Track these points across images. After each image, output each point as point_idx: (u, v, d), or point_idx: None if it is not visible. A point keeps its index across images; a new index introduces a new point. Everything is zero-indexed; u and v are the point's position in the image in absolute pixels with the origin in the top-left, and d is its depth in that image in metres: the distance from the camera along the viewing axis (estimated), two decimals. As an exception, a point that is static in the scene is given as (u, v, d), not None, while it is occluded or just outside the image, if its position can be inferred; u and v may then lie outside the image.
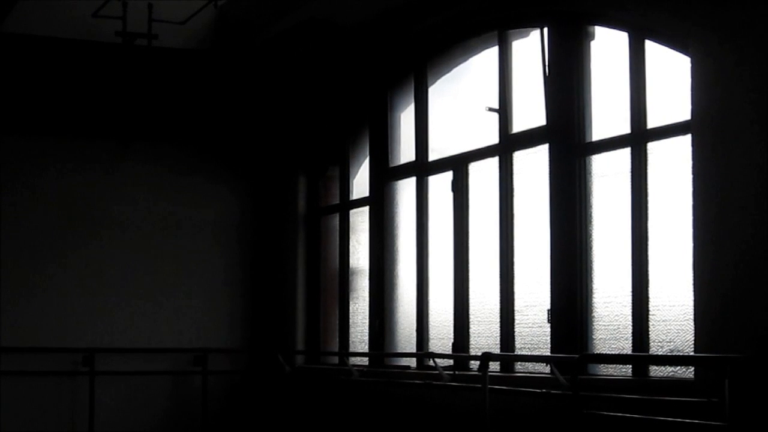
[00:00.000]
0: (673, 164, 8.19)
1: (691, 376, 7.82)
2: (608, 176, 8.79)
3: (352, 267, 12.31)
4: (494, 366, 9.56)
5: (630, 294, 8.44)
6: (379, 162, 11.71)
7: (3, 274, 12.38)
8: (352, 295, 12.26)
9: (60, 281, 12.64)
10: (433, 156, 10.99)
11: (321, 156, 13.02)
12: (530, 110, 9.59)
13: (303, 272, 13.02)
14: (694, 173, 7.76)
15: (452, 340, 10.41)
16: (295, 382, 12.74)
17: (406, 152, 11.40)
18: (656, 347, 8.26)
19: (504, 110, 9.92)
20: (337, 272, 12.59)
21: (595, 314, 8.85)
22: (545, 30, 9.35)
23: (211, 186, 13.39)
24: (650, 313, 8.33)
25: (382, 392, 10.99)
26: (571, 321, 8.91)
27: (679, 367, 8.00)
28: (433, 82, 11.04)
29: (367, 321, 11.77)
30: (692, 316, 7.80)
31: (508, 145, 9.86)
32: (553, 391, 8.64)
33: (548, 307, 9.18)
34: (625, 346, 8.51)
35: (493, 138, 10.02)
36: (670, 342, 8.16)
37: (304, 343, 12.94)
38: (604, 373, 8.62)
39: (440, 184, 10.80)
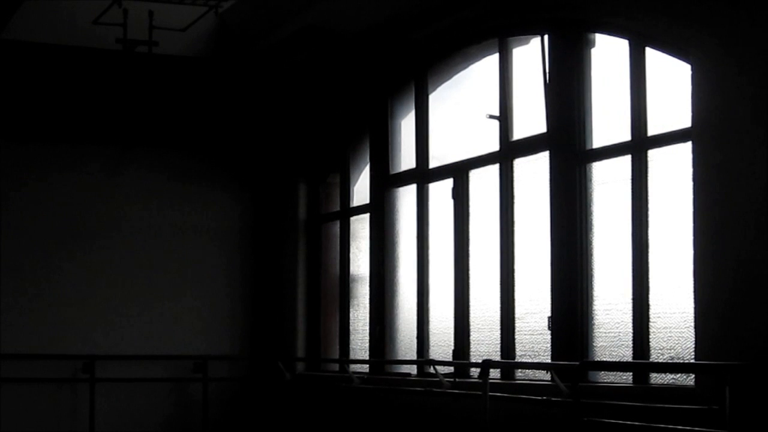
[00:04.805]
0: (673, 172, 8.19)
1: (692, 383, 7.82)
2: (609, 183, 8.80)
3: (353, 274, 12.31)
4: (495, 373, 9.56)
5: (630, 301, 8.44)
6: (379, 169, 11.72)
7: (3, 280, 12.37)
8: (353, 302, 12.26)
9: (60, 288, 12.63)
10: (433, 163, 11.00)
11: (321, 163, 13.02)
12: (531, 117, 9.59)
13: (303, 279, 13.02)
14: (694, 181, 7.77)
15: (453, 348, 10.41)
16: (296, 389, 12.73)
17: (406, 159, 11.41)
18: (657, 354, 8.26)
19: (504, 117, 9.92)
20: (338, 279, 12.59)
21: (595, 321, 8.85)
22: (546, 37, 9.35)
23: (211, 193, 13.39)
24: (651, 320, 8.33)
25: (382, 399, 10.98)
26: (571, 328, 8.91)
27: (679, 375, 8.00)
28: (434, 90, 11.05)
29: (367, 328, 11.77)
30: (693, 324, 7.81)
31: (508, 152, 9.86)
32: (553, 399, 8.64)
33: (549, 314, 9.17)
34: (626, 354, 8.50)
35: (493, 145, 10.03)
36: (670, 349, 8.16)
37: (304, 350, 12.93)
38: (605, 381, 8.62)
39: (441, 192, 10.80)
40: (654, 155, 8.38)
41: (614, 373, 8.57)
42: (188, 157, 13.29)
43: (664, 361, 8.22)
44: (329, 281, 12.81)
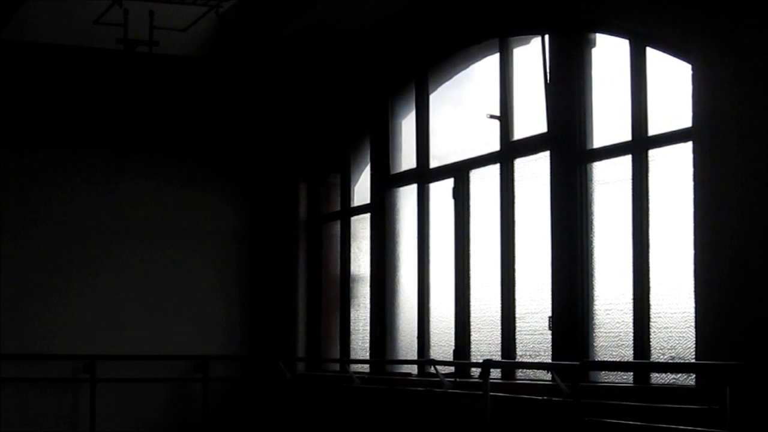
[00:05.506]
0: (674, 171, 8.19)
1: (693, 383, 7.82)
2: (609, 183, 8.80)
3: (353, 274, 12.31)
4: (495, 373, 9.56)
5: (631, 301, 8.44)
6: (380, 169, 11.72)
7: (4, 281, 12.38)
8: (353, 302, 12.26)
9: (61, 289, 12.63)
10: (434, 163, 11.00)
11: (322, 163, 13.02)
12: (531, 117, 9.59)
13: (304, 279, 13.02)
14: (695, 180, 7.77)
15: (453, 347, 10.41)
16: (296, 389, 12.73)
17: (407, 159, 11.41)
18: (657, 354, 8.26)
19: (505, 117, 9.92)
20: (338, 279, 12.59)
21: (596, 321, 8.84)
22: (546, 37, 9.35)
23: (212, 194, 13.38)
24: (651, 320, 8.33)
25: (383, 399, 10.98)
26: (572, 328, 8.91)
27: (680, 375, 8.00)
28: (435, 89, 11.05)
29: (368, 328, 11.77)
30: (693, 324, 7.80)
31: (509, 152, 9.86)
32: (554, 398, 8.64)
33: (549, 314, 9.17)
34: (626, 353, 8.50)
35: (494, 145, 10.03)
36: (671, 349, 8.16)
37: (305, 350, 12.93)
38: (606, 380, 8.62)
39: (441, 191, 10.80)
40: (654, 155, 8.38)
41: (615, 372, 8.57)
42: (187, 159, 13.28)
43: (665, 361, 8.21)
44: (330, 281, 12.81)
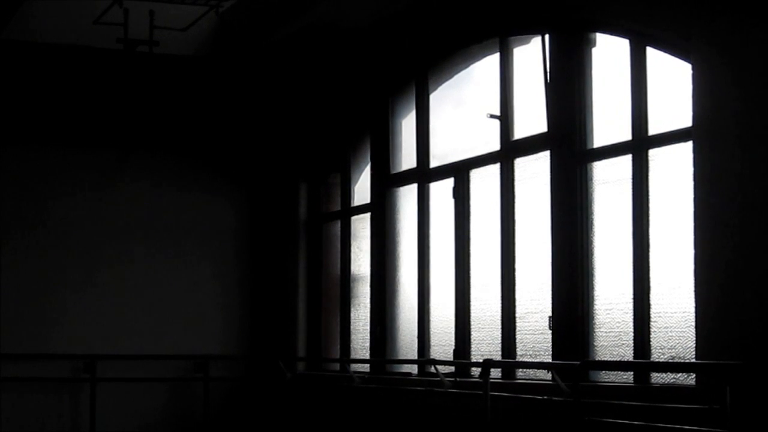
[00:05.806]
0: (674, 171, 8.19)
1: (693, 382, 7.82)
2: (609, 183, 8.80)
3: (354, 273, 12.30)
4: (495, 373, 9.56)
5: (631, 300, 8.44)
6: (380, 169, 11.72)
7: (4, 281, 12.38)
8: (354, 302, 12.25)
9: (61, 289, 12.62)
10: (434, 163, 11.00)
11: (322, 163, 13.02)
12: (531, 117, 9.59)
13: (304, 279, 13.02)
14: (695, 180, 7.77)
15: (453, 347, 10.41)
16: (297, 388, 12.73)
17: (407, 159, 11.41)
18: (657, 354, 8.26)
19: (505, 117, 9.92)
20: (339, 279, 12.59)
21: (596, 321, 8.85)
22: (546, 37, 9.35)
23: (211, 194, 13.37)
24: (651, 319, 8.33)
25: (383, 399, 10.98)
26: (572, 328, 8.91)
27: (680, 374, 8.00)
28: (435, 89, 11.05)
29: (368, 328, 11.77)
30: (693, 323, 7.80)
31: (509, 151, 9.86)
32: (554, 398, 8.63)
33: (549, 313, 9.17)
34: (627, 353, 8.50)
35: (494, 145, 10.03)
36: (671, 349, 8.16)
37: (305, 350, 12.93)
38: (606, 380, 8.62)
39: (441, 191, 10.80)
40: (654, 155, 8.38)
41: (615, 372, 8.57)
42: (187, 159, 13.26)
43: (665, 360, 8.22)
44: (330, 281, 12.81)
